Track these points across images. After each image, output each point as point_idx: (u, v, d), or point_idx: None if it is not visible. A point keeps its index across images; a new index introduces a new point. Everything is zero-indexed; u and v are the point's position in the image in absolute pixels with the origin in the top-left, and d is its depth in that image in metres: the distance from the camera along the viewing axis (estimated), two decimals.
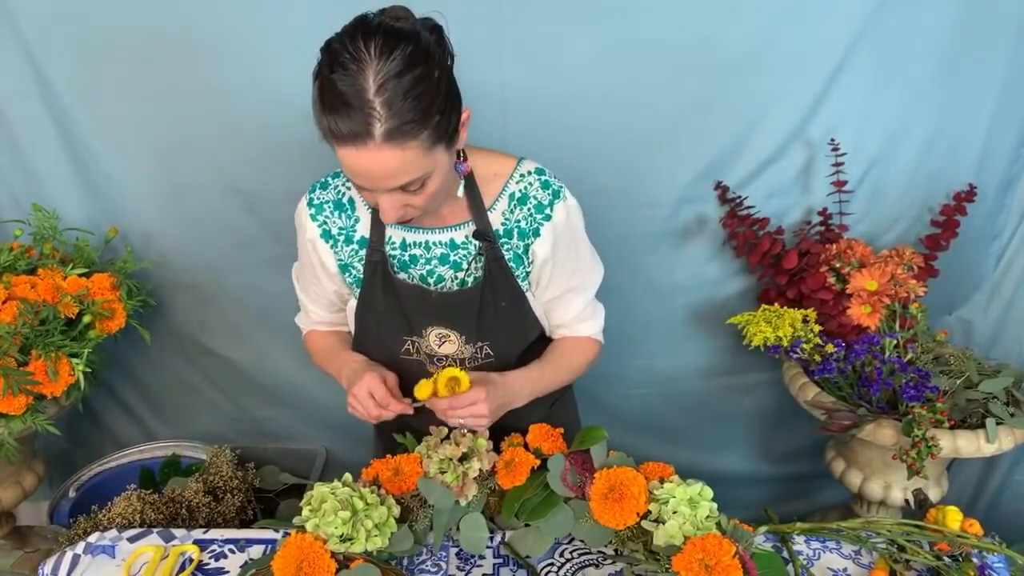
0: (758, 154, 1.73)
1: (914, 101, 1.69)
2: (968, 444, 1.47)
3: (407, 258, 1.25)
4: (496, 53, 1.60)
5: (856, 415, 1.52)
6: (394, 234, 1.25)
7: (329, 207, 1.25)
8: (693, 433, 2.11)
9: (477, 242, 1.22)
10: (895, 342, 1.57)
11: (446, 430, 1.27)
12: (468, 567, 1.21)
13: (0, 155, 1.75)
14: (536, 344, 1.37)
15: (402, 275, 1.26)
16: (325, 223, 1.25)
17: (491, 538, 1.22)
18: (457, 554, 1.23)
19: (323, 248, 1.26)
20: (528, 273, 1.27)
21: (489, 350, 1.31)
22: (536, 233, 1.21)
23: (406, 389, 1.26)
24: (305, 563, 1.02)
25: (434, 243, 1.24)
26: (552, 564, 1.19)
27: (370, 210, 1.24)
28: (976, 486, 2.02)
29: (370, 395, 1.20)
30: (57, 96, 1.67)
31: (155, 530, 1.28)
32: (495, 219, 1.22)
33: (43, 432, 1.51)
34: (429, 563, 1.22)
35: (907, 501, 1.53)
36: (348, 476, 1.15)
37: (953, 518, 1.14)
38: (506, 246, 1.23)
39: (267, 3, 1.58)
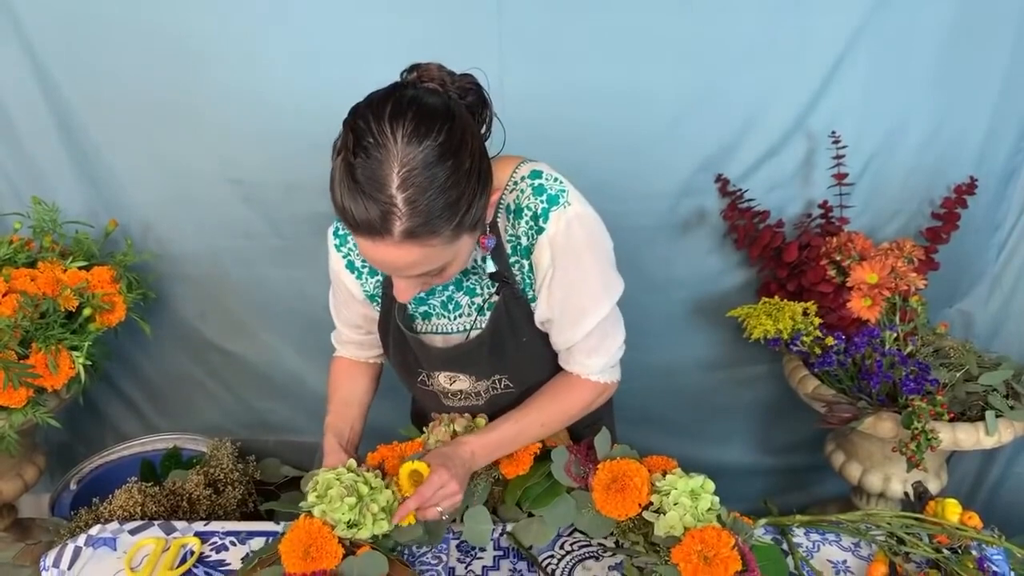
0: (759, 147, 1.73)
1: (915, 94, 1.69)
2: (968, 437, 1.47)
3: (428, 305, 1.20)
4: (495, 45, 1.60)
5: (856, 408, 1.52)
6: None
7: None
8: (693, 425, 2.12)
9: (493, 280, 1.14)
10: (895, 335, 1.57)
11: (446, 416, 1.28)
12: (468, 559, 1.21)
13: (0, 148, 1.75)
14: None
15: (420, 310, 1.21)
16: (349, 255, 1.21)
17: (492, 530, 1.23)
18: (458, 546, 1.24)
19: (348, 278, 1.23)
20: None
21: (508, 382, 1.25)
22: (531, 249, 1.09)
23: (424, 417, 1.31)
24: (312, 547, 1.02)
25: (456, 283, 1.18)
26: (552, 556, 1.20)
27: None
28: (975, 478, 2.03)
29: None
30: (57, 88, 1.67)
31: (156, 522, 1.28)
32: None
33: (44, 425, 1.51)
34: (429, 555, 1.22)
35: (906, 494, 1.53)
36: (352, 462, 1.15)
37: (952, 511, 1.15)
38: (516, 265, 1.12)
39: (267, 11, 1.59)
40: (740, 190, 1.74)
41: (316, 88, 1.64)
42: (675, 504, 1.08)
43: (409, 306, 1.21)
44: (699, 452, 2.09)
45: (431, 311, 1.21)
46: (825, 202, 1.75)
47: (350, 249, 1.21)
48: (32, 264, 1.59)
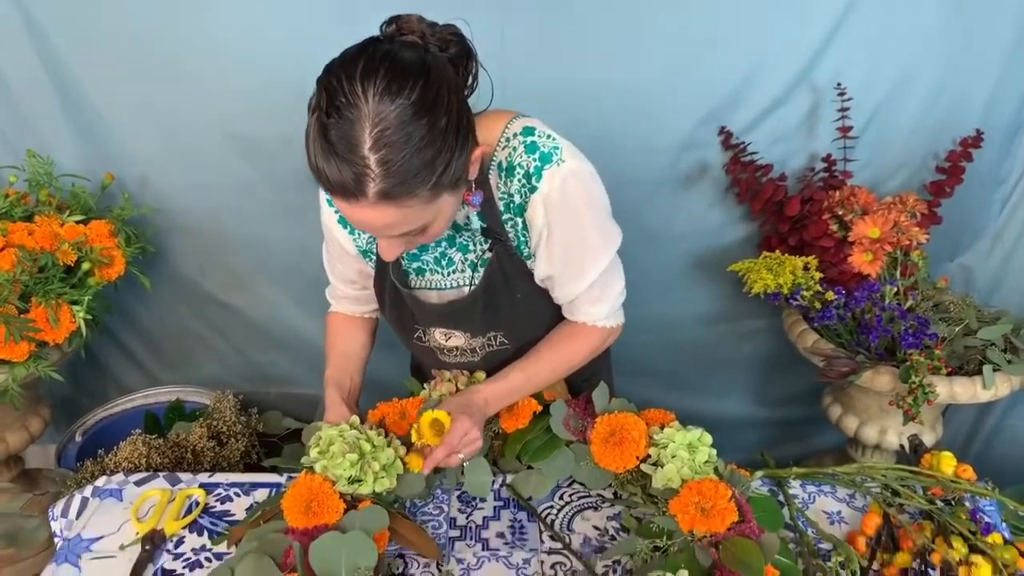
0: (763, 99, 1.70)
1: (922, 46, 1.65)
2: (964, 390, 1.48)
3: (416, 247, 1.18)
4: None
5: (855, 362, 1.53)
6: None
7: None
8: (692, 378, 2.13)
9: (485, 237, 1.13)
10: (895, 289, 1.57)
11: (447, 372, 1.29)
12: (469, 509, 1.23)
13: None
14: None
15: (413, 266, 1.21)
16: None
17: (492, 482, 1.24)
18: (459, 496, 1.26)
19: (340, 233, 1.22)
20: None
21: (504, 339, 1.25)
22: (524, 207, 1.07)
23: (423, 372, 1.32)
24: (314, 502, 1.04)
25: (448, 237, 1.17)
26: (552, 507, 1.22)
27: None
28: (970, 430, 2.05)
29: None
30: (49, 41, 1.64)
31: (161, 474, 1.30)
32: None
33: (47, 378, 1.52)
34: (431, 506, 1.24)
35: (902, 446, 1.55)
36: (355, 418, 1.15)
37: (947, 463, 1.16)
38: (509, 223, 1.11)
39: None
40: (743, 143, 1.71)
41: (315, 40, 1.60)
42: (673, 457, 1.09)
43: (403, 262, 1.21)
44: (697, 405, 2.11)
45: (424, 267, 1.20)
46: (829, 155, 1.73)
47: None
48: (29, 218, 1.58)
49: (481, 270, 1.16)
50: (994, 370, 1.49)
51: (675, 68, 1.66)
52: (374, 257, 1.22)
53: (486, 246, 1.14)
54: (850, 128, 1.69)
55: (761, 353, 2.09)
